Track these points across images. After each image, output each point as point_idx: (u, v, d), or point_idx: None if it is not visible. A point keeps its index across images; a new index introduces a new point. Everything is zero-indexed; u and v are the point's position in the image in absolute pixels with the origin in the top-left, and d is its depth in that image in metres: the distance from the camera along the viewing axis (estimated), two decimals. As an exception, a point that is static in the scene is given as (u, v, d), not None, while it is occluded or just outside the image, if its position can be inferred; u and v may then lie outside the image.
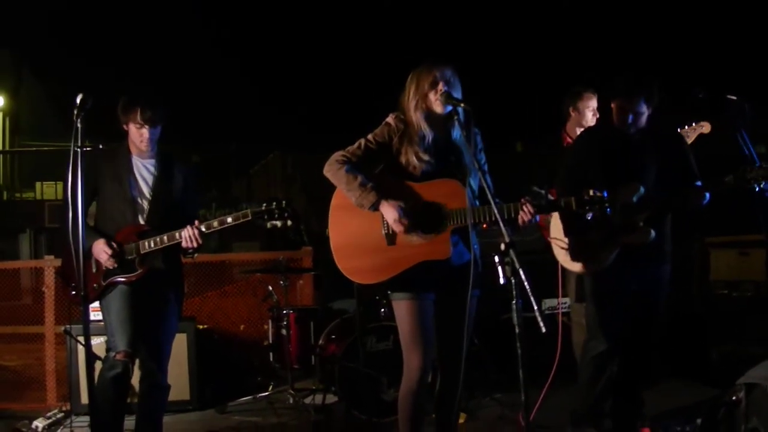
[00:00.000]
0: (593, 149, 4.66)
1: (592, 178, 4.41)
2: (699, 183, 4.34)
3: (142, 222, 4.50)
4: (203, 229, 4.34)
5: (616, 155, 4.55)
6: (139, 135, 4.49)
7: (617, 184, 4.24)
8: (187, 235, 4.32)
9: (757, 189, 4.02)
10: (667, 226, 4.59)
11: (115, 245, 4.39)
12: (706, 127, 5.11)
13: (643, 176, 4.39)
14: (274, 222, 4.31)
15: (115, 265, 4.41)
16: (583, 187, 3.82)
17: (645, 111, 4.47)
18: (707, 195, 4.34)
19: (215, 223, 4.35)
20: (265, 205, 4.28)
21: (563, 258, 4.80)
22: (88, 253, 4.35)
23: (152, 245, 4.39)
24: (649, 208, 4.34)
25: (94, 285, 4.43)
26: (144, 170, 4.58)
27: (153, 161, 4.61)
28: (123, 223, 4.48)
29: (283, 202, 4.29)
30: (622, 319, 4.62)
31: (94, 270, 4.44)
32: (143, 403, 4.59)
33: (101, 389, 4.27)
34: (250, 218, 4.32)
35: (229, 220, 4.34)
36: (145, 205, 4.53)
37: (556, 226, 4.86)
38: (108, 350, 4.44)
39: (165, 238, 4.37)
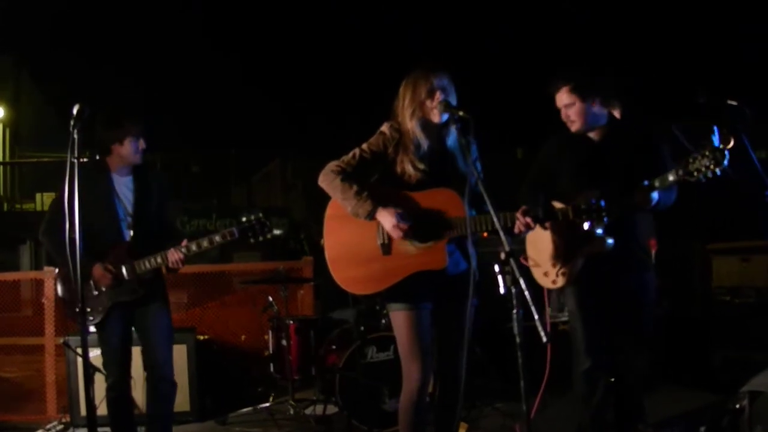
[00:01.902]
0: (554, 156, 4.61)
1: (562, 187, 4.38)
2: (646, 182, 4.00)
3: (128, 239, 4.58)
4: (194, 248, 4.48)
5: (575, 161, 4.47)
6: (134, 149, 4.56)
7: (581, 190, 4.14)
8: (176, 259, 4.47)
9: (703, 180, 3.64)
10: (638, 233, 4.43)
11: (112, 268, 4.48)
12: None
13: (604, 180, 4.22)
14: (259, 237, 4.48)
15: (116, 287, 4.51)
16: (547, 195, 3.77)
17: (567, 108, 4.38)
18: (656, 194, 4.02)
19: (205, 243, 4.48)
20: (245, 220, 4.45)
21: (536, 274, 4.67)
22: (87, 276, 4.44)
23: (148, 266, 4.51)
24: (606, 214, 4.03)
25: (100, 308, 4.51)
26: (123, 187, 4.64)
27: (130, 177, 4.67)
28: (109, 242, 4.55)
29: (261, 216, 4.47)
30: (602, 334, 4.50)
31: (95, 293, 4.51)
32: (151, 398, 4.67)
33: (109, 407, 4.57)
34: (236, 236, 4.46)
35: (218, 238, 4.47)
36: (130, 221, 4.60)
37: (530, 242, 4.81)
38: (105, 374, 4.54)
39: (159, 258, 4.49)
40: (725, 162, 3.60)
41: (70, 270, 4.30)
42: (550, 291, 4.84)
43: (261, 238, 4.50)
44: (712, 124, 4.17)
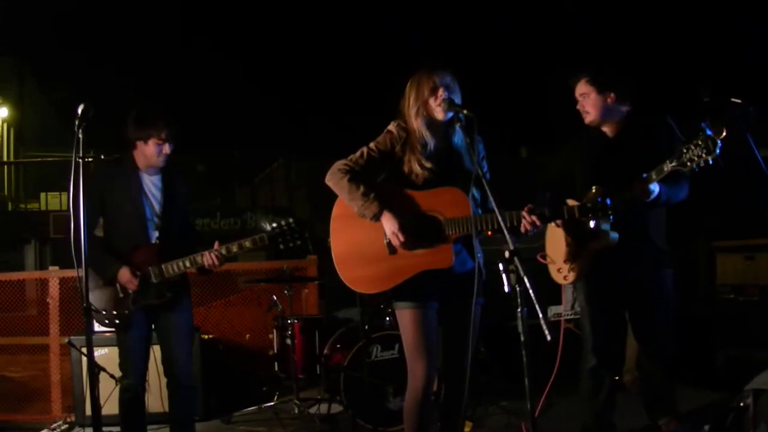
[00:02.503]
0: (571, 155, 4.71)
1: (578, 184, 4.45)
2: (644, 174, 4.04)
3: (156, 240, 4.53)
4: (224, 253, 4.46)
5: (591, 157, 4.55)
6: (157, 151, 4.51)
7: (591, 185, 4.24)
8: (209, 262, 4.45)
9: (696, 169, 3.71)
10: (649, 229, 4.47)
11: (139, 273, 4.42)
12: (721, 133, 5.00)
13: (613, 175, 4.26)
14: (289, 244, 4.46)
15: (143, 290, 4.46)
16: (563, 194, 3.80)
17: (583, 98, 4.49)
18: (656, 186, 4.06)
19: (234, 248, 4.46)
20: (277, 227, 4.42)
21: (551, 270, 4.76)
22: (113, 280, 4.41)
23: (176, 269, 4.47)
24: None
25: (126, 311, 4.45)
26: (152, 187, 4.59)
27: (159, 177, 4.62)
28: (136, 242, 4.49)
29: (292, 222, 4.44)
30: (610, 332, 4.58)
31: (120, 295, 4.46)
32: (173, 406, 4.68)
33: (121, 407, 4.54)
34: (267, 242, 4.45)
35: (248, 244, 4.44)
36: (157, 222, 4.54)
37: (548, 239, 4.85)
38: (122, 375, 4.54)
39: (187, 262, 4.47)
40: (717, 151, 3.63)
41: (97, 273, 4.33)
42: (564, 288, 4.89)
43: (291, 245, 4.47)
44: (721, 123, 4.18)
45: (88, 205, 4.26)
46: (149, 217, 4.52)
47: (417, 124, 3.89)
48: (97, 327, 4.58)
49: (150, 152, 4.51)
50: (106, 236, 4.54)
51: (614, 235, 4.26)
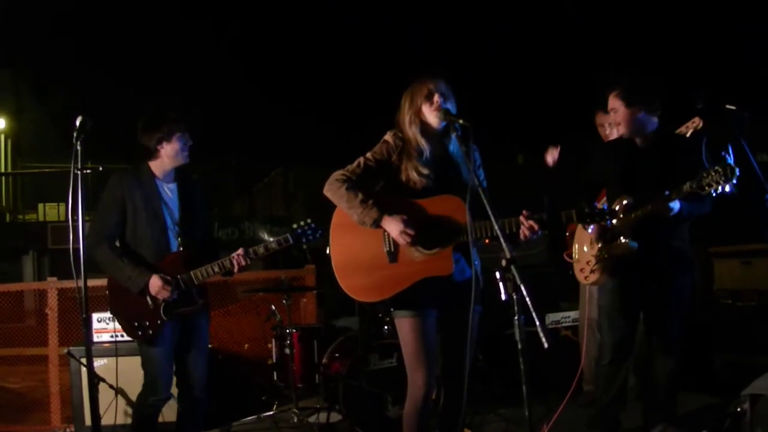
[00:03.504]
0: (602, 163, 4.81)
1: (609, 192, 4.58)
2: (667, 192, 4.21)
3: (178, 248, 4.50)
4: (251, 255, 4.45)
5: (618, 166, 4.64)
6: (182, 144, 4.48)
7: (619, 194, 4.35)
8: (240, 263, 4.44)
9: (714, 194, 3.90)
10: (671, 239, 4.55)
11: (170, 279, 4.37)
12: (697, 122, 5.10)
13: (643, 186, 4.40)
14: (311, 239, 4.49)
15: (174, 299, 4.40)
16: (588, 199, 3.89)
17: (613, 111, 4.58)
18: (677, 204, 4.22)
19: (261, 249, 4.48)
20: (296, 226, 4.47)
21: (575, 268, 4.97)
22: (144, 290, 4.34)
23: (205, 275, 4.44)
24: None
25: (158, 321, 4.38)
26: (170, 194, 4.55)
27: (175, 184, 4.58)
28: (160, 251, 4.44)
29: (309, 220, 4.48)
30: (626, 332, 4.68)
31: (151, 306, 4.38)
32: (183, 418, 4.67)
33: (139, 419, 4.54)
34: (291, 242, 4.48)
35: (273, 245, 4.47)
36: (177, 230, 4.50)
37: (577, 238, 5.03)
38: (148, 391, 4.47)
39: (216, 267, 4.44)
40: (735, 180, 3.83)
41: (127, 284, 4.30)
42: (582, 287, 5.00)
43: (312, 239, 4.49)
44: (731, 139, 4.30)
45: (110, 216, 4.29)
46: (170, 226, 4.48)
47: (412, 131, 3.91)
48: (95, 338, 4.59)
49: (175, 149, 4.46)
50: (127, 246, 4.47)
51: (633, 243, 4.40)
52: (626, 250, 4.42)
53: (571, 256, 5.04)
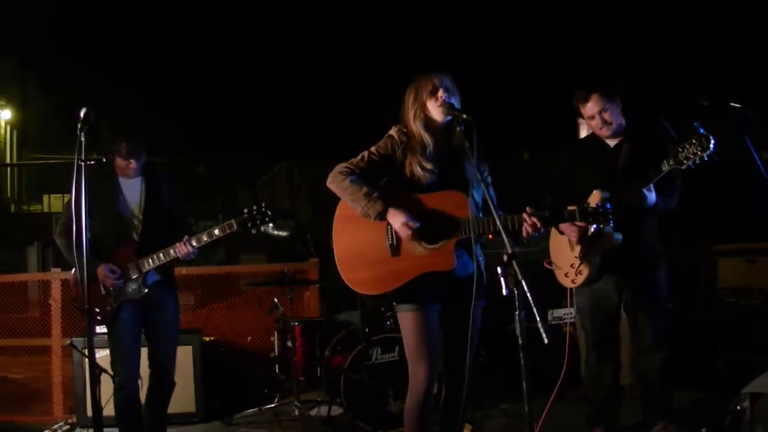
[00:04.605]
0: (572, 162, 4.83)
1: (580, 191, 4.49)
2: (640, 181, 4.20)
3: (135, 239, 4.64)
4: (194, 244, 4.53)
5: (592, 163, 4.67)
6: (125, 166, 4.62)
7: (592, 191, 4.39)
8: (182, 251, 4.53)
9: (692, 166, 3.84)
10: (643, 235, 4.58)
11: (117, 269, 4.56)
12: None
13: (616, 182, 4.41)
14: (261, 227, 4.50)
15: (122, 286, 4.58)
16: (563, 199, 3.87)
17: (602, 113, 4.56)
18: (653, 193, 4.20)
19: (204, 237, 4.53)
20: (246, 211, 4.46)
21: (558, 276, 4.85)
22: (94, 276, 4.50)
23: (151, 263, 4.58)
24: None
25: (108, 308, 4.58)
26: (132, 189, 4.70)
27: (139, 179, 4.72)
28: (116, 244, 4.63)
29: (263, 205, 4.48)
30: (607, 329, 4.74)
31: (103, 292, 4.58)
32: (151, 396, 4.78)
33: (116, 407, 4.60)
34: (236, 228, 4.48)
35: (217, 232, 4.50)
36: (137, 223, 4.66)
37: (552, 246, 4.95)
38: (114, 374, 4.60)
39: (162, 255, 4.56)
40: (711, 147, 3.77)
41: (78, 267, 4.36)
42: (572, 291, 5.00)
43: (263, 228, 4.51)
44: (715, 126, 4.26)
45: (71, 207, 4.34)
46: (128, 219, 4.65)
47: (416, 126, 3.90)
48: (98, 328, 4.63)
49: (119, 165, 4.64)
50: (94, 239, 4.58)
51: (618, 236, 4.37)
52: (612, 244, 4.38)
53: (551, 264, 4.91)
